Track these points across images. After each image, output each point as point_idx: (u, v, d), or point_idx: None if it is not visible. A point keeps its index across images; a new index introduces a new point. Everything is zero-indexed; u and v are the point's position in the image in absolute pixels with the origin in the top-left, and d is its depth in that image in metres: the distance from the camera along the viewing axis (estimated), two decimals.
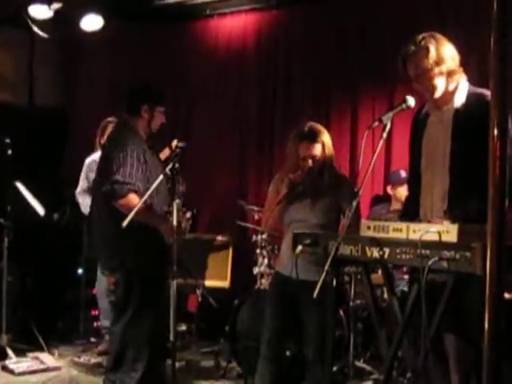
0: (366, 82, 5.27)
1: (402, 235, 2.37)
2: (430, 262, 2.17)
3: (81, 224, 5.37)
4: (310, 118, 3.56)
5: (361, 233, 2.53)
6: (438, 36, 2.75)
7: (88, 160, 5.06)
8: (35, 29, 5.63)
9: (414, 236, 2.31)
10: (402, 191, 4.46)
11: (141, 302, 3.49)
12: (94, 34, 5.76)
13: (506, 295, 3.01)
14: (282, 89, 5.73)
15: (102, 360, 4.62)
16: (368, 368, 4.28)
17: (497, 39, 1.57)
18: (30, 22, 5.55)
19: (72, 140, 6.52)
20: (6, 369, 4.51)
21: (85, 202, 4.99)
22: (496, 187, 1.56)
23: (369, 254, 2.42)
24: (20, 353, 4.73)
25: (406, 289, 3.81)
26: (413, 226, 2.36)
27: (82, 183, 5.07)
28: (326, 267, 2.42)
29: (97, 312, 5.32)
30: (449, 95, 2.76)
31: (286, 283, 3.31)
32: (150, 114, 3.66)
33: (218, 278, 5.13)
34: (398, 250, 2.31)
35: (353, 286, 4.18)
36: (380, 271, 3.53)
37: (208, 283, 5.08)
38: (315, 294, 2.37)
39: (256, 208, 4.77)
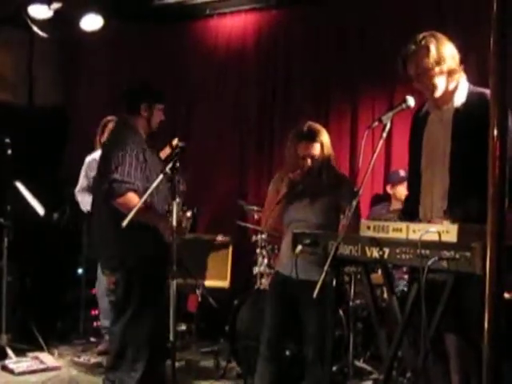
0: (365, 82, 5.27)
1: (402, 235, 2.37)
2: (429, 262, 2.17)
3: (81, 224, 5.37)
4: (309, 118, 3.55)
5: (361, 233, 2.53)
6: (439, 35, 2.75)
7: (88, 158, 5.06)
8: (35, 29, 5.63)
9: (413, 236, 2.31)
10: (402, 190, 4.46)
11: (141, 302, 3.49)
12: (93, 33, 5.76)
13: (506, 295, 3.02)
14: (281, 89, 5.73)
15: (101, 360, 4.62)
16: (368, 368, 4.28)
17: (496, 39, 1.57)
18: (29, 21, 5.54)
19: (72, 140, 6.52)
20: (5, 368, 4.51)
21: (84, 200, 4.99)
22: (496, 187, 1.57)
23: (369, 253, 2.43)
24: (20, 353, 4.73)
25: (405, 289, 3.81)
26: (412, 225, 2.36)
27: (82, 181, 5.07)
28: (326, 267, 2.42)
29: (97, 312, 5.32)
30: (449, 94, 2.76)
31: (286, 283, 3.31)
32: (149, 112, 3.67)
33: (217, 278, 5.13)
34: (397, 250, 2.32)
35: (353, 286, 4.18)
36: (380, 271, 3.53)
37: (208, 283, 5.08)
38: (315, 294, 2.37)
39: (256, 208, 4.77)
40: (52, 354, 4.84)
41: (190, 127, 6.16)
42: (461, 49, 2.81)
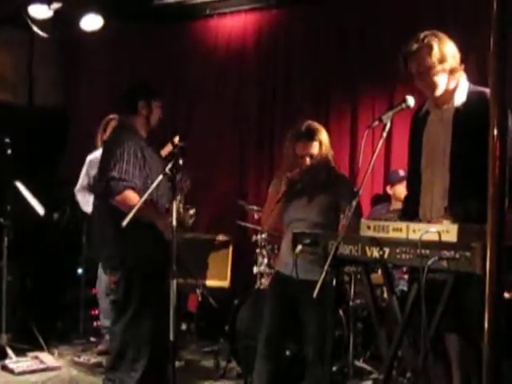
0: (365, 82, 5.27)
1: (402, 235, 2.37)
2: (429, 262, 2.17)
3: (81, 224, 5.38)
4: (309, 117, 3.55)
5: (361, 232, 2.53)
6: (441, 34, 2.76)
7: (89, 157, 5.06)
8: (35, 29, 5.62)
9: (413, 236, 2.31)
10: (401, 189, 4.46)
11: (141, 302, 3.49)
12: (93, 33, 5.76)
13: (506, 295, 3.02)
14: (281, 89, 5.73)
15: (101, 360, 4.62)
16: (368, 368, 4.28)
17: (496, 39, 1.57)
18: (29, 21, 5.54)
19: (72, 140, 6.52)
20: (5, 368, 4.51)
21: (84, 200, 4.99)
22: (496, 187, 1.57)
23: (369, 253, 2.42)
24: (20, 352, 4.73)
25: (405, 288, 3.81)
26: (413, 225, 2.36)
27: (82, 180, 5.07)
28: (326, 267, 2.42)
29: (96, 312, 5.32)
30: (449, 94, 2.77)
31: (286, 283, 3.31)
32: (147, 110, 3.68)
33: (217, 278, 5.13)
34: (397, 250, 2.32)
35: (353, 286, 4.18)
36: (380, 271, 3.53)
37: (208, 283, 5.08)
38: (315, 294, 2.37)
39: (256, 208, 4.77)
40: (52, 353, 4.84)
41: (190, 127, 6.16)
42: (461, 49, 2.82)
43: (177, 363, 3.35)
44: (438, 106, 2.82)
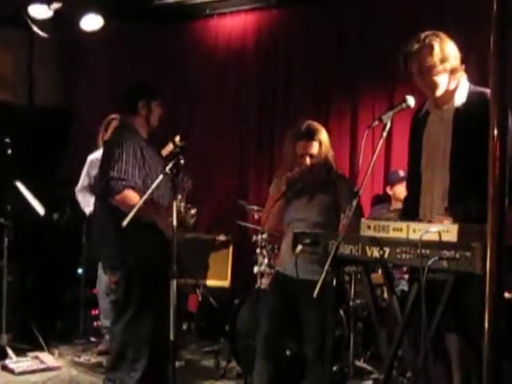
0: (365, 81, 5.27)
1: (402, 235, 2.37)
2: (429, 262, 2.18)
3: (81, 224, 5.38)
4: (309, 117, 3.55)
5: (361, 232, 2.53)
6: (442, 34, 2.76)
7: (90, 157, 5.06)
8: (35, 29, 5.63)
9: (414, 236, 2.31)
10: (401, 189, 4.46)
11: (141, 302, 3.49)
12: (93, 33, 5.77)
13: (506, 295, 3.02)
14: (281, 89, 5.73)
15: (101, 360, 4.62)
16: (368, 368, 4.28)
17: (496, 39, 1.58)
18: (29, 21, 5.55)
19: (72, 140, 6.52)
20: (5, 368, 4.51)
21: (85, 200, 4.99)
22: (496, 187, 1.57)
23: (369, 253, 2.43)
24: (20, 352, 4.73)
25: (406, 288, 3.82)
26: (413, 225, 2.36)
27: (83, 180, 5.07)
28: (326, 267, 2.42)
29: (96, 312, 5.32)
30: (449, 94, 2.77)
31: (286, 283, 3.31)
32: (147, 109, 3.68)
33: (218, 278, 5.13)
34: (398, 250, 2.32)
35: (353, 286, 4.18)
36: (380, 271, 3.53)
37: (208, 283, 5.08)
38: (315, 294, 2.37)
39: (256, 208, 4.77)
40: (52, 353, 4.84)
41: (190, 127, 6.16)
42: (461, 49, 2.82)
43: (177, 363, 3.35)
44: (439, 106, 2.82)
